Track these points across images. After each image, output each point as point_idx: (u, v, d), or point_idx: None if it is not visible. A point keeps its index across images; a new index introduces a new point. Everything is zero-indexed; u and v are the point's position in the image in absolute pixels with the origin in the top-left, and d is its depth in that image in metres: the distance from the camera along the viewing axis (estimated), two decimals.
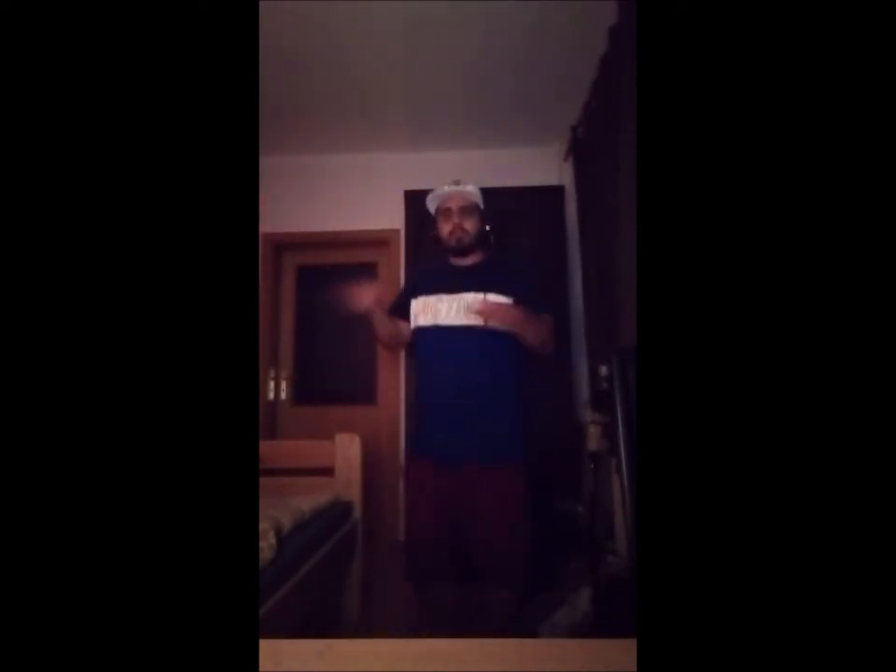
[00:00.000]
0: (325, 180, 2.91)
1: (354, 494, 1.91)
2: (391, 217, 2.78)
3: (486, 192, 1.50)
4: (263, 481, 1.51)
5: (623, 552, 1.50)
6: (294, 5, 1.80)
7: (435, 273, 1.54)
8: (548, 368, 2.26)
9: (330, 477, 1.92)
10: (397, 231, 2.77)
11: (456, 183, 1.49)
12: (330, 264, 2.99)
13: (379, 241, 2.86)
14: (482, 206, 1.49)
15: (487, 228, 1.50)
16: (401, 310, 1.53)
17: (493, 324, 1.34)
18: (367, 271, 2.96)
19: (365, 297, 1.47)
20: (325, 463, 1.94)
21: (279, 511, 1.39)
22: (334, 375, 2.91)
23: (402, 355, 2.68)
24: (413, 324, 1.49)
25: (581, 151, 2.49)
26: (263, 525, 1.19)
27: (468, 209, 1.46)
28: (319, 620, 1.64)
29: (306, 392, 2.91)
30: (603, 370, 1.65)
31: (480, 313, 1.33)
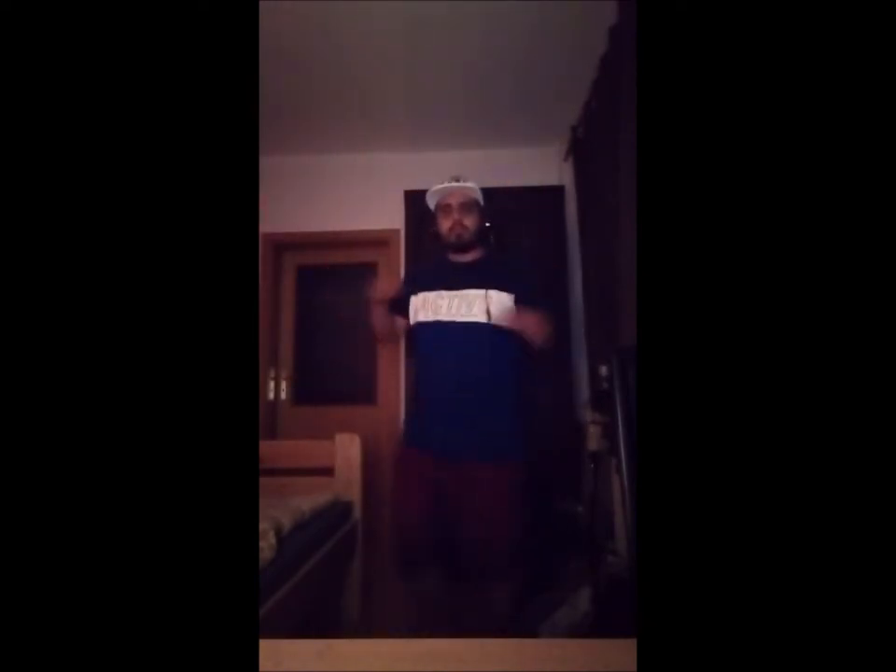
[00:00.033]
0: (325, 180, 2.91)
1: (354, 494, 1.91)
2: (391, 217, 2.78)
3: (486, 192, 1.50)
4: (263, 481, 1.51)
5: (623, 552, 1.50)
6: (294, 5, 1.80)
7: (434, 270, 1.54)
8: (548, 367, 2.27)
9: (330, 477, 1.92)
10: (397, 231, 2.77)
11: (456, 179, 1.49)
12: (330, 264, 2.99)
13: (379, 241, 2.86)
14: (481, 203, 1.49)
15: (487, 224, 1.50)
16: (399, 306, 1.53)
17: (525, 334, 1.35)
18: (367, 271, 2.95)
19: (376, 286, 1.46)
20: (325, 463, 1.94)
21: (279, 510, 1.39)
22: (334, 375, 2.91)
23: (402, 355, 2.68)
24: (413, 319, 1.49)
25: (580, 151, 2.49)
26: (263, 525, 1.19)
27: (468, 205, 1.46)
28: (319, 620, 1.64)
29: (306, 392, 2.91)
30: (603, 370, 1.65)
31: (513, 324, 1.33)
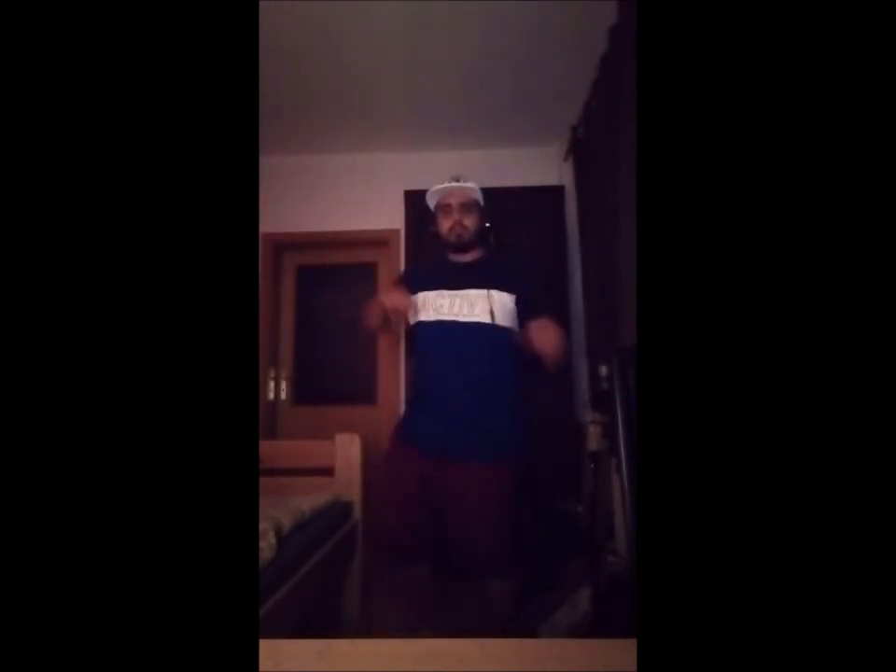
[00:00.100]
0: (325, 180, 2.91)
1: (354, 494, 1.91)
2: (391, 217, 2.78)
3: (486, 192, 1.50)
4: (263, 481, 1.52)
5: (623, 552, 1.50)
6: (294, 5, 1.80)
7: (434, 269, 1.54)
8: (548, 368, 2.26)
9: (330, 477, 1.92)
10: (397, 231, 2.77)
11: (457, 179, 1.49)
12: (330, 264, 2.99)
13: (379, 241, 2.86)
14: (482, 203, 1.49)
15: (487, 224, 1.50)
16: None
17: (542, 350, 1.30)
18: (367, 271, 2.95)
19: (387, 300, 1.40)
20: (325, 463, 1.94)
21: (279, 510, 1.39)
22: (334, 375, 2.91)
23: (402, 355, 2.68)
24: (413, 319, 1.48)
25: (581, 151, 2.50)
26: (263, 525, 1.19)
27: (468, 205, 1.46)
28: (319, 620, 1.64)
29: (306, 392, 2.91)
30: (603, 370, 1.66)
31: (536, 339, 1.29)
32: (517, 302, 1.40)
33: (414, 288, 1.48)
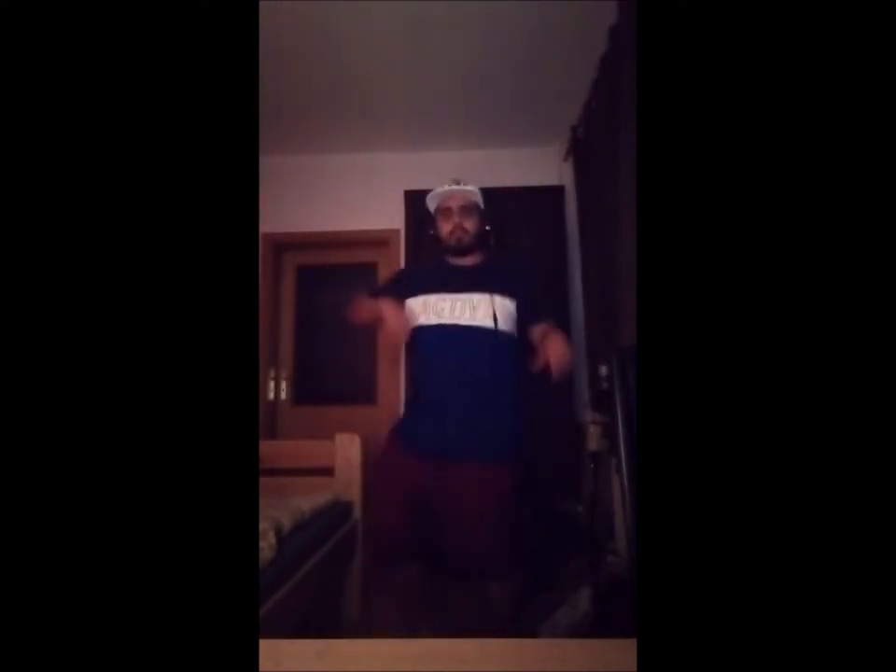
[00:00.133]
0: (325, 180, 2.91)
1: (354, 494, 1.91)
2: (391, 217, 2.78)
3: (486, 192, 1.50)
4: (263, 481, 1.51)
5: (623, 552, 1.50)
6: (294, 5, 1.80)
7: (434, 272, 1.53)
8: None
9: (330, 477, 1.92)
10: (397, 231, 2.77)
11: (457, 182, 1.49)
12: (330, 264, 2.99)
13: (379, 241, 2.86)
14: (482, 206, 1.49)
15: (487, 228, 1.50)
16: (388, 294, 1.47)
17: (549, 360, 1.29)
18: (367, 271, 2.95)
19: (387, 323, 1.36)
20: (325, 463, 1.94)
21: (279, 510, 1.39)
22: (334, 375, 2.91)
23: (402, 355, 2.68)
24: (413, 322, 1.47)
25: (580, 151, 2.50)
26: (263, 525, 1.19)
27: (468, 208, 1.46)
28: (319, 620, 1.64)
29: (306, 392, 2.91)
30: (603, 370, 1.66)
31: (546, 349, 1.27)
32: (517, 303, 1.40)
33: (412, 291, 1.48)
